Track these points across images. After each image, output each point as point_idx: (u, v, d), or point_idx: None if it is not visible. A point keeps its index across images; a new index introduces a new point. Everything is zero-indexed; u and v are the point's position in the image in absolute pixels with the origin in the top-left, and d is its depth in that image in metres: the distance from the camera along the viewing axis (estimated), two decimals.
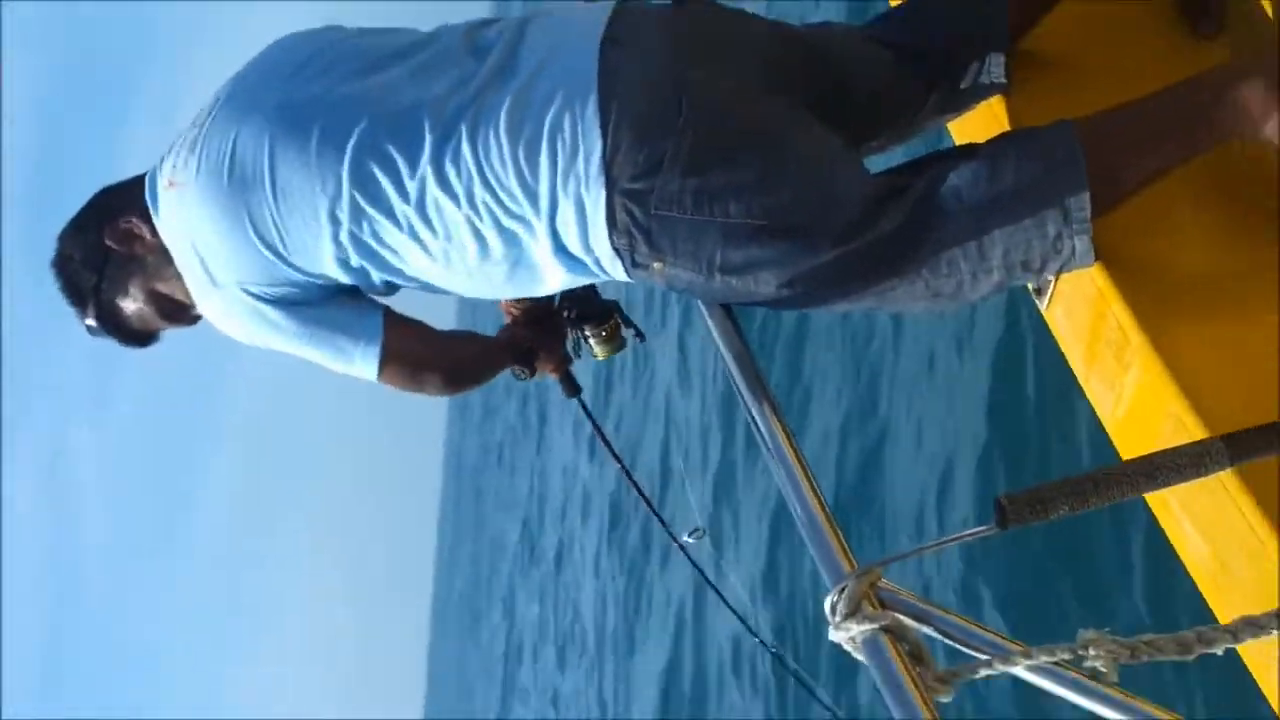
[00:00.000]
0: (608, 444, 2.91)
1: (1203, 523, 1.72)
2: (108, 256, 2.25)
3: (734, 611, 3.77)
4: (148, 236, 2.22)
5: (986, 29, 2.25)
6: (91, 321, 2.30)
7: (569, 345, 2.63)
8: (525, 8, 2.33)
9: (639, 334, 2.64)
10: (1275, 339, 1.81)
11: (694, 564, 3.15)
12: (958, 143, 2.48)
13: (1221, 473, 1.54)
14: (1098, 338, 1.96)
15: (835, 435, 6.72)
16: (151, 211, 2.20)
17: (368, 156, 2.03)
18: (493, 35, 2.15)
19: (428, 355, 2.33)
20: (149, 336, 2.37)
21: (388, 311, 2.25)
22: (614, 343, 2.61)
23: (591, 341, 2.59)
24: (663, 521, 3.04)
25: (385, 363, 2.23)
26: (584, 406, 2.79)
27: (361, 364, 2.23)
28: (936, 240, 1.94)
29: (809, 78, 2.17)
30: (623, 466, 2.98)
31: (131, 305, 2.30)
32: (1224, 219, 1.97)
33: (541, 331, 2.58)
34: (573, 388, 2.71)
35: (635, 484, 2.98)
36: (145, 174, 2.25)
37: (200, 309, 2.25)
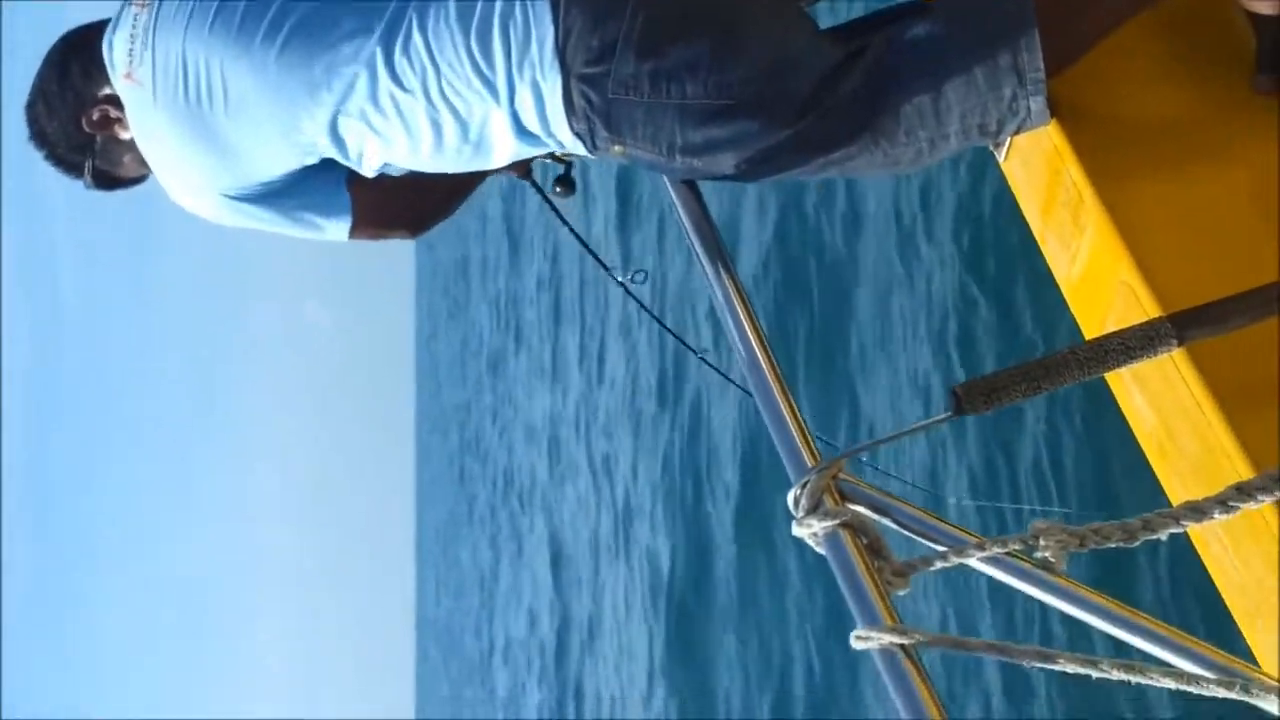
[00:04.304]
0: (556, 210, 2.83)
1: (1151, 393, 1.77)
2: (92, 140, 2.27)
3: (694, 351, 3.96)
4: (127, 121, 2.23)
5: None
6: (89, 182, 2.35)
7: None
8: None
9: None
10: (1231, 199, 1.83)
11: (640, 303, 3.30)
12: None
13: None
14: (1054, 197, 1.98)
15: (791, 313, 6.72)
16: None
17: (316, 57, 2.03)
18: None
19: (391, 214, 2.39)
20: (146, 177, 2.42)
21: (353, 181, 2.27)
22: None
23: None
24: (599, 260, 3.13)
25: (354, 230, 2.30)
26: (553, 207, 2.72)
27: (333, 235, 2.31)
28: (893, 108, 1.93)
29: None
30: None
31: (125, 168, 2.34)
32: (1184, 71, 1.96)
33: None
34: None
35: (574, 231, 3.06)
36: (103, 34, 2.21)
37: (173, 198, 2.29)
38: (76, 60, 2.27)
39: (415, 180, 2.37)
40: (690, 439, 8.89)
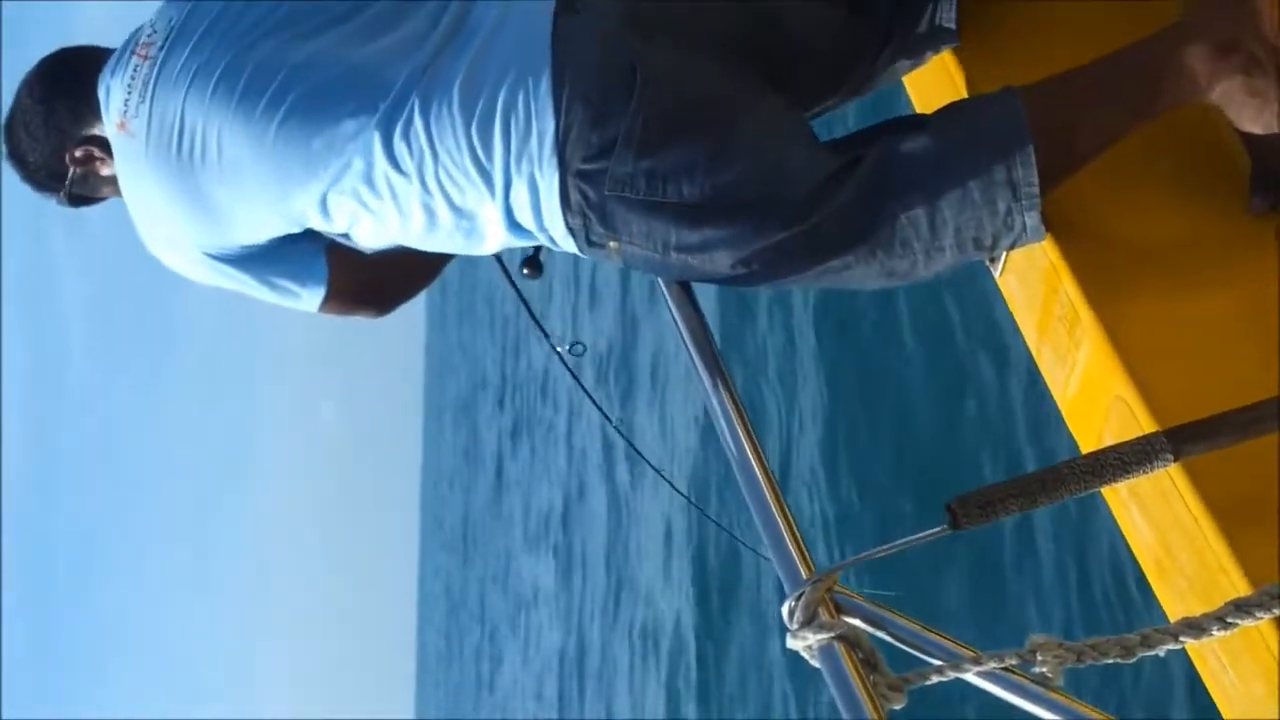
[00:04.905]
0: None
1: (1148, 509, 1.76)
2: (72, 172, 2.29)
3: (610, 422, 3.93)
4: (111, 163, 2.25)
5: None
6: (63, 201, 2.35)
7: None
8: None
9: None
10: (1226, 316, 1.84)
11: (571, 372, 3.31)
12: (912, 96, 2.48)
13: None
14: (1049, 312, 1.98)
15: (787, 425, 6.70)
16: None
17: (316, 133, 2.04)
18: None
19: (364, 293, 2.41)
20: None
21: (330, 250, 2.29)
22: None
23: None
24: (542, 329, 3.11)
25: (325, 303, 2.32)
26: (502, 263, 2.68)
27: (306, 304, 2.32)
28: (889, 219, 1.94)
29: (761, 41, 2.15)
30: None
31: (102, 194, 2.36)
32: (1180, 190, 1.97)
33: None
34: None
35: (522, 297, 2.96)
36: (99, 71, 2.22)
37: (151, 250, 2.30)
38: (66, 96, 2.28)
39: (391, 259, 2.36)
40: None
